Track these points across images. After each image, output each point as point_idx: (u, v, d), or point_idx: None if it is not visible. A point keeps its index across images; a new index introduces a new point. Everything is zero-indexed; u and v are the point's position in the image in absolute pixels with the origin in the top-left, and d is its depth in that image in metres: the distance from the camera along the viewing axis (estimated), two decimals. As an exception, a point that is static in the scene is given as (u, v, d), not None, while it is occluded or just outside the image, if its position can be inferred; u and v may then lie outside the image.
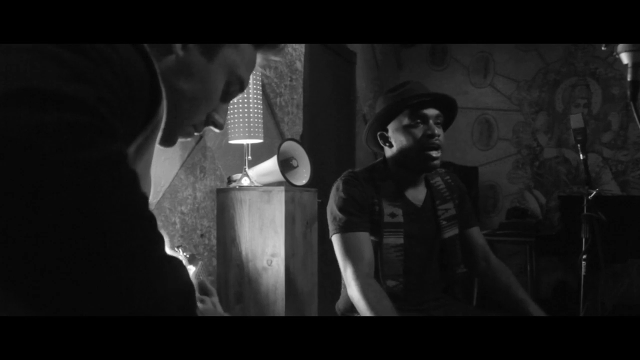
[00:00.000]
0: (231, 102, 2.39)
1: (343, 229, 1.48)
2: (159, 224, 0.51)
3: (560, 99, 4.41)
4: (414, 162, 1.51)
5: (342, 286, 1.62)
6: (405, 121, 1.51)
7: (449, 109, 1.56)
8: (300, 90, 3.27)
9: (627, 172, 4.17)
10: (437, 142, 1.49)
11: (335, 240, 1.51)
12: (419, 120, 1.50)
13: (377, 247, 1.50)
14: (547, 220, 4.37)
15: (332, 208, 1.53)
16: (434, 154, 1.49)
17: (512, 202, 4.53)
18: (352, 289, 1.42)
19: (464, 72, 4.74)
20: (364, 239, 1.48)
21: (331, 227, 1.52)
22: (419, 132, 1.49)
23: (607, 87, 4.25)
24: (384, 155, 1.62)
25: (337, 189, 1.54)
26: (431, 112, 1.50)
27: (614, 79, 4.23)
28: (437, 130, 1.50)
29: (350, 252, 1.46)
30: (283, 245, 2.13)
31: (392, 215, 1.52)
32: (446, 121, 1.57)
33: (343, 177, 1.56)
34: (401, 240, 1.52)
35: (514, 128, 4.56)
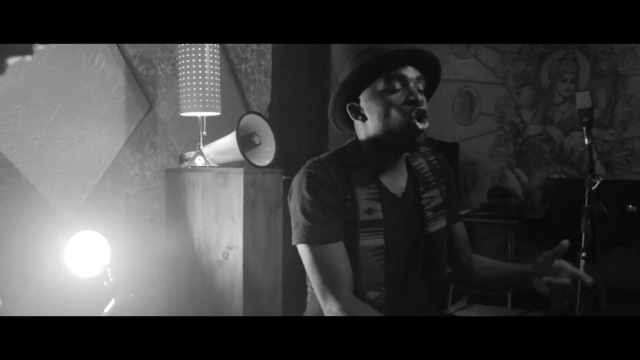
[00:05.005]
0: (184, 68, 2.06)
1: (311, 240, 1.21)
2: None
3: (547, 72, 4.19)
4: (395, 138, 1.23)
5: (309, 296, 1.35)
6: (381, 86, 1.22)
7: (431, 72, 1.28)
8: (269, 55, 2.93)
9: (612, 152, 4.01)
10: (422, 108, 1.21)
11: (302, 251, 1.24)
12: (397, 84, 1.21)
13: (353, 251, 1.23)
14: (529, 200, 4.19)
15: (295, 209, 1.25)
16: (420, 125, 1.20)
17: (492, 180, 4.36)
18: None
19: (447, 41, 4.46)
20: (339, 251, 1.22)
21: (295, 232, 1.25)
22: (398, 98, 1.21)
23: (596, 62, 4.04)
24: (356, 136, 1.33)
25: (300, 186, 1.25)
26: (411, 73, 1.22)
27: (603, 53, 4.01)
28: (421, 96, 1.22)
29: (325, 273, 1.20)
30: (241, 236, 1.84)
31: (370, 211, 1.24)
32: (427, 90, 1.29)
33: (306, 169, 1.26)
34: (381, 241, 1.25)
35: (497, 102, 4.36)
